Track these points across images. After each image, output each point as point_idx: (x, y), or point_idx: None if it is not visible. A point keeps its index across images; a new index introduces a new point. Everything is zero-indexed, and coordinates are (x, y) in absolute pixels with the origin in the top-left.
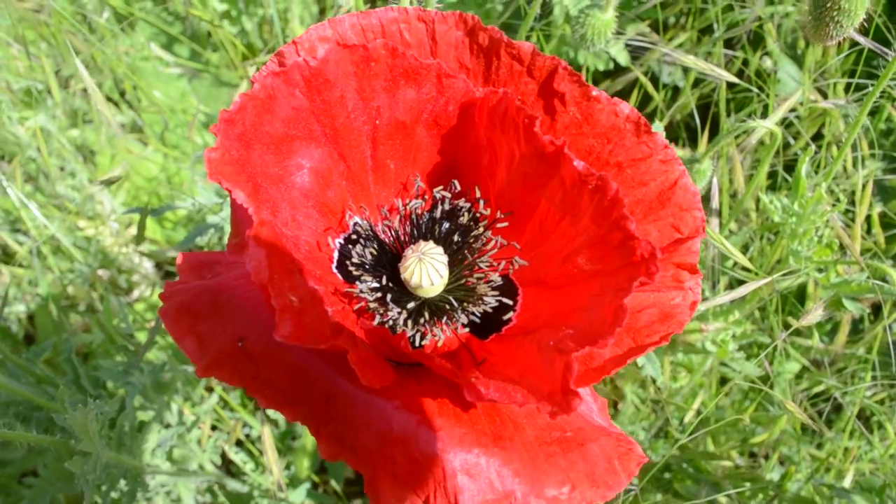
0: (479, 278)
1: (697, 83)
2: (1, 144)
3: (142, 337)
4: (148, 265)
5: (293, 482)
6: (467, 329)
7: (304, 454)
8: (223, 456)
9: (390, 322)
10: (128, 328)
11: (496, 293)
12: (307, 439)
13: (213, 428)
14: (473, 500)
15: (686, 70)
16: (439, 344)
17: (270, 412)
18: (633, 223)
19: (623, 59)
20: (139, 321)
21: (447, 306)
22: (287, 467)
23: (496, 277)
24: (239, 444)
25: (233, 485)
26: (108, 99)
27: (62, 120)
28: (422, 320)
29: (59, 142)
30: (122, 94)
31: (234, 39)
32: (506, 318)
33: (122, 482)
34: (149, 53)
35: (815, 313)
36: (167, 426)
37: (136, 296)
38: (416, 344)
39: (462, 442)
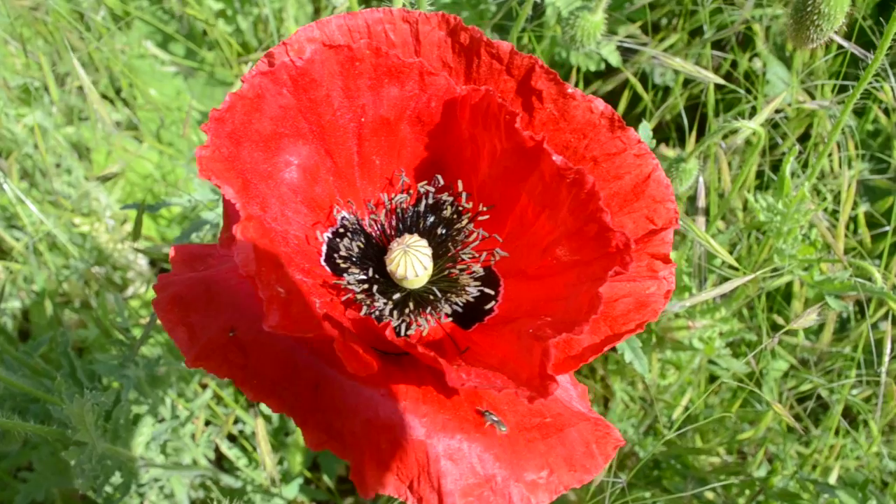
0: (461, 269)
1: (687, 83)
2: None
3: (137, 333)
4: (142, 262)
5: (285, 478)
6: (451, 319)
7: (297, 450)
8: (216, 451)
9: (377, 313)
10: (123, 323)
11: (478, 284)
12: (300, 435)
13: (207, 423)
14: (456, 484)
15: (676, 71)
16: (424, 333)
17: (264, 407)
18: (608, 215)
19: (614, 59)
20: (134, 317)
21: (431, 297)
22: (280, 462)
23: (478, 269)
24: (232, 439)
25: (226, 480)
26: (104, 97)
27: (58, 117)
28: (407, 311)
29: (54, 139)
30: (118, 91)
31: (228, 38)
32: (488, 307)
33: (118, 474)
34: (144, 51)
35: (808, 317)
36: (161, 420)
37: (130, 292)
38: (402, 334)
39: (445, 428)
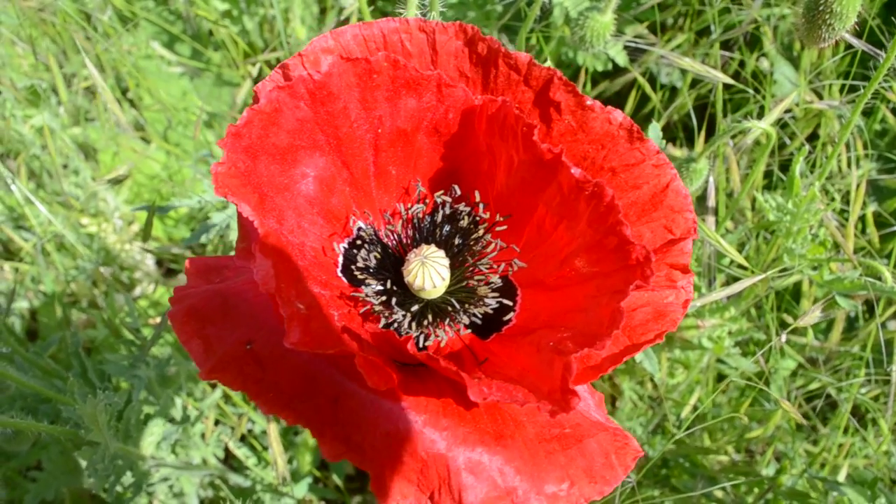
0: (479, 280)
1: (695, 84)
2: (5, 142)
3: (145, 333)
4: (150, 262)
5: (295, 477)
6: (469, 330)
7: (307, 449)
8: (225, 451)
9: (395, 324)
10: (134, 323)
11: (496, 294)
12: (309, 435)
13: (217, 423)
14: (477, 497)
15: (684, 71)
16: (442, 344)
17: None
18: (628, 228)
19: (622, 60)
20: (142, 317)
21: (449, 308)
22: (289, 462)
23: (496, 279)
24: (241, 439)
25: (235, 479)
26: None
27: (64, 118)
28: (425, 322)
29: (61, 140)
30: (125, 92)
31: (235, 37)
32: (506, 318)
33: (129, 474)
34: (151, 52)
35: (812, 314)
36: (171, 420)
37: (138, 292)
38: (420, 345)
39: (466, 441)
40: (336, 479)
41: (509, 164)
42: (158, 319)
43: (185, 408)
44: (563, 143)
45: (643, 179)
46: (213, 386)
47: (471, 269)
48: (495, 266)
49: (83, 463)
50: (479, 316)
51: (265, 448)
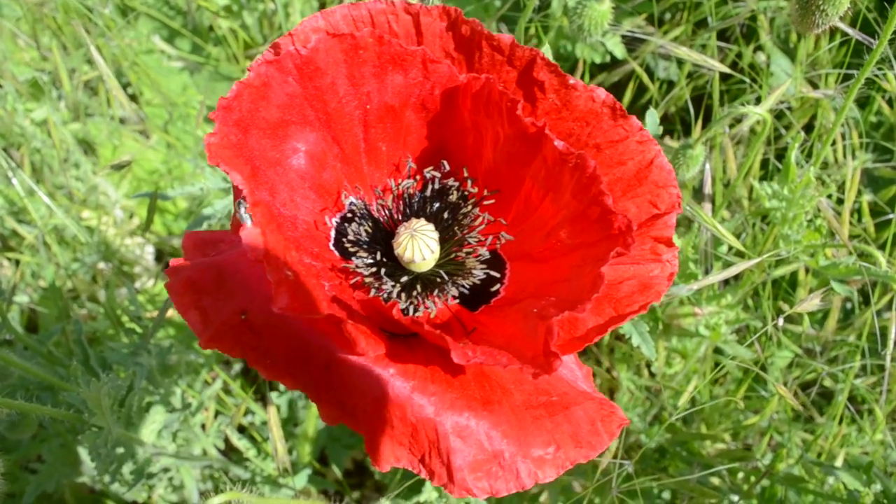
0: (468, 253)
1: (691, 75)
2: (7, 135)
3: (147, 324)
4: (149, 257)
5: (294, 468)
6: (458, 301)
7: (306, 440)
8: (226, 443)
9: (385, 295)
10: (136, 311)
11: (484, 266)
12: (309, 425)
13: (217, 414)
14: (465, 459)
15: (680, 63)
16: (432, 315)
17: (274, 396)
18: (609, 198)
19: (619, 51)
20: (142, 311)
21: (438, 279)
22: (288, 452)
23: (484, 252)
24: (241, 430)
25: (235, 470)
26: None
27: (65, 113)
28: (415, 293)
29: (62, 133)
30: (125, 87)
31: (237, 28)
32: (494, 290)
33: (130, 462)
34: (151, 46)
35: (812, 301)
36: (172, 410)
37: (137, 287)
38: (410, 315)
39: (453, 406)
40: (336, 472)
41: (495, 139)
42: (157, 313)
43: (184, 397)
44: (548, 121)
45: (627, 155)
46: (214, 377)
47: (459, 242)
48: (483, 239)
49: (84, 454)
50: (468, 287)
51: (265, 439)
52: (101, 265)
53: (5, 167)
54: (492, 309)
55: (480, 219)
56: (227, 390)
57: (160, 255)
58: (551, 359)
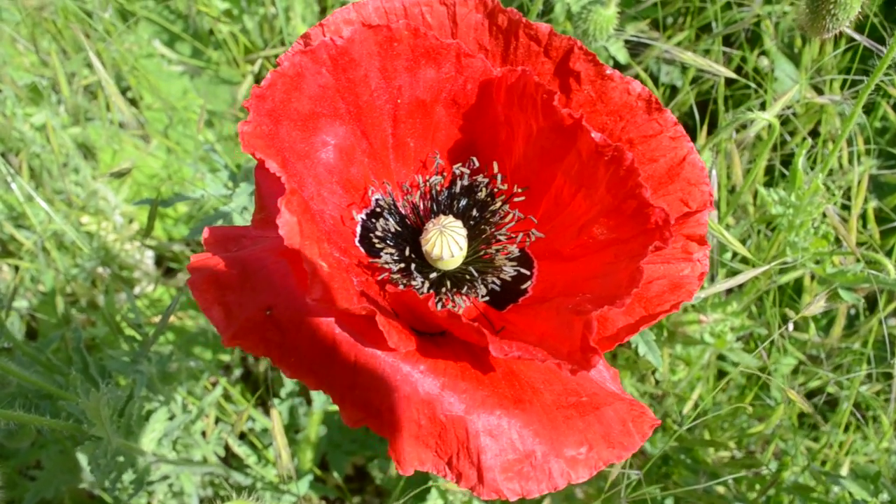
0: (497, 250)
1: (696, 80)
2: (6, 140)
3: (147, 330)
4: (149, 262)
5: (296, 474)
6: (485, 300)
7: (308, 446)
8: (226, 450)
9: (414, 290)
10: (136, 318)
11: (514, 264)
12: (311, 430)
13: (217, 421)
14: (496, 459)
15: (684, 69)
16: (459, 313)
17: (276, 402)
18: (647, 191)
19: (622, 56)
20: (141, 317)
21: (467, 277)
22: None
23: (513, 249)
24: (242, 436)
25: (235, 477)
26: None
27: (65, 118)
28: (443, 290)
29: (61, 138)
30: (124, 91)
31: (237, 33)
32: (523, 287)
33: (130, 471)
34: (151, 51)
35: (816, 304)
36: (172, 417)
37: (137, 292)
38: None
39: (484, 404)
40: (337, 478)
41: (528, 133)
42: (158, 318)
43: (185, 405)
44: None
45: (660, 152)
46: (214, 384)
47: (488, 239)
48: (513, 236)
49: (83, 461)
50: (497, 285)
51: (266, 446)
52: (101, 270)
53: (4, 172)
54: (520, 308)
55: (510, 216)
56: (227, 397)
57: (160, 260)
58: (589, 354)
